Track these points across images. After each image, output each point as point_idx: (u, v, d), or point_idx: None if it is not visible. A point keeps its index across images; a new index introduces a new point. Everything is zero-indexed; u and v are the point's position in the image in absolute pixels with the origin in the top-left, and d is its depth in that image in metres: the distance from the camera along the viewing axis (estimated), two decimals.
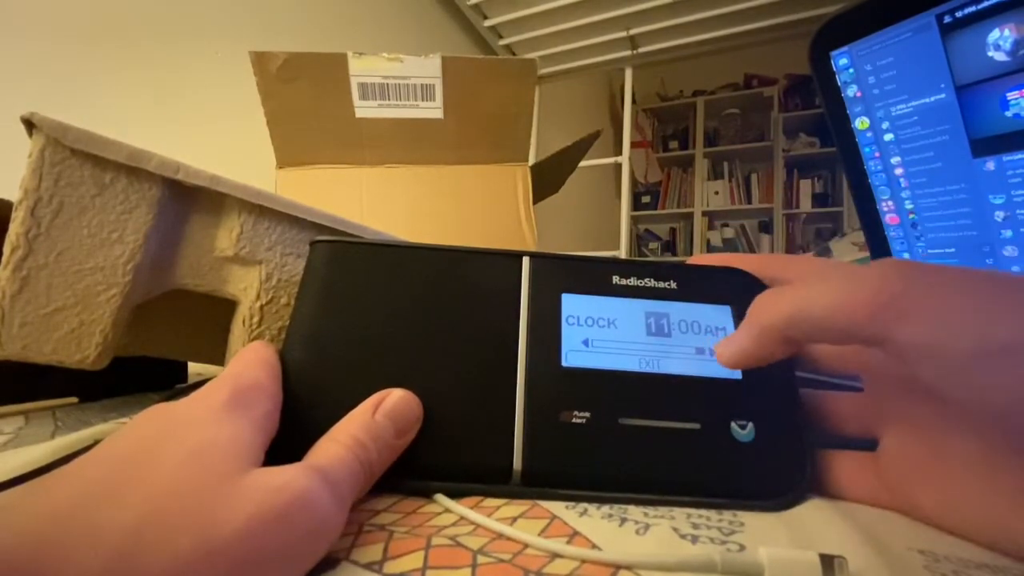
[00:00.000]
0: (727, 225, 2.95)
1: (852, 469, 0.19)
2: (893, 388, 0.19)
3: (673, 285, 0.22)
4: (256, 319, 0.26)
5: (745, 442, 0.19)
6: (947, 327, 0.14)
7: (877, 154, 0.37)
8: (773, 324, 0.17)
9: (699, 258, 0.24)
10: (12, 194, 0.22)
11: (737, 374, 0.20)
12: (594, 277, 0.22)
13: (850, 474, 0.19)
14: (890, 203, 0.38)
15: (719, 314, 0.22)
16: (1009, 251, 0.33)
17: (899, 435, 0.19)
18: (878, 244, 0.39)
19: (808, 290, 0.17)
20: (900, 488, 0.18)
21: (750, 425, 0.19)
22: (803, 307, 0.17)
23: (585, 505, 0.18)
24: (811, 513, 0.18)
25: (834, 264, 0.20)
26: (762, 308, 0.18)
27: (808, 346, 0.21)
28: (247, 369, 0.18)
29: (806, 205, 2.72)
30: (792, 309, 0.17)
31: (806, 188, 2.72)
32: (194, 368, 0.37)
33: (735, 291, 0.22)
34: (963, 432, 0.17)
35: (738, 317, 0.21)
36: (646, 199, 3.04)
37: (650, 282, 0.22)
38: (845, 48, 0.36)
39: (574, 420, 0.19)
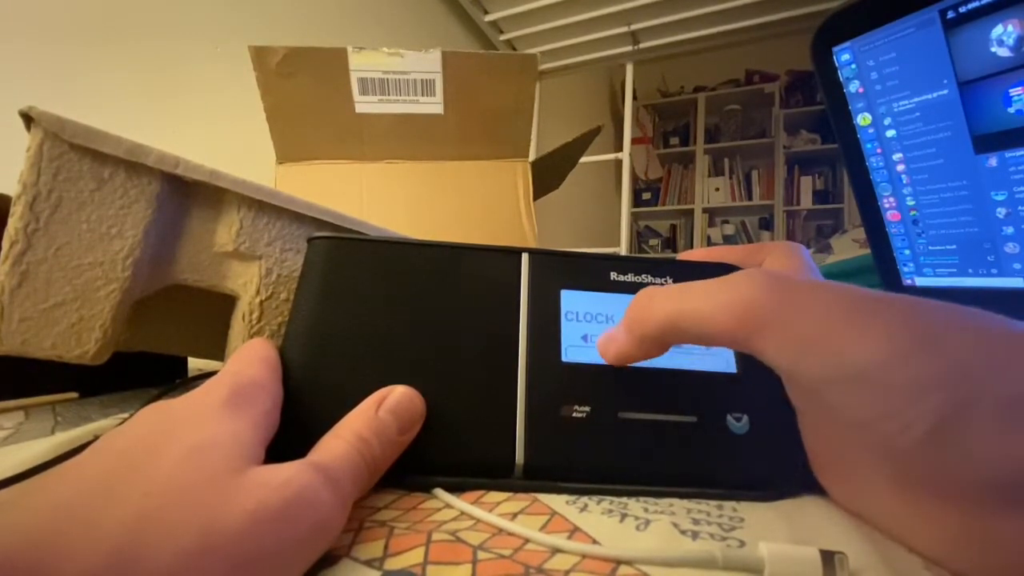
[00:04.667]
0: (728, 222, 2.94)
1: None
2: (790, 389, 0.18)
3: (669, 281, 0.22)
4: (256, 315, 0.26)
5: (740, 434, 0.20)
6: (806, 351, 0.14)
7: (879, 150, 0.37)
8: (649, 334, 0.18)
9: (689, 253, 0.24)
10: (11, 189, 0.22)
11: (732, 368, 0.21)
12: (592, 274, 0.22)
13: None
14: (891, 200, 0.38)
15: None
16: (1010, 248, 0.33)
17: (806, 432, 0.18)
18: (879, 241, 0.39)
19: (680, 296, 0.17)
20: (819, 477, 0.18)
21: (745, 418, 0.20)
22: (675, 318, 0.17)
23: (585, 501, 0.18)
24: (812, 509, 0.18)
25: (798, 261, 0.21)
26: (640, 313, 0.18)
27: None
28: (247, 366, 0.18)
29: (807, 202, 2.71)
30: (663, 318, 0.17)
31: (807, 185, 2.72)
32: (194, 363, 0.37)
33: None
34: (847, 436, 0.16)
35: None
36: (647, 195, 3.04)
37: (647, 278, 0.22)
38: (847, 44, 0.36)
39: (574, 414, 0.19)
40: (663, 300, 0.18)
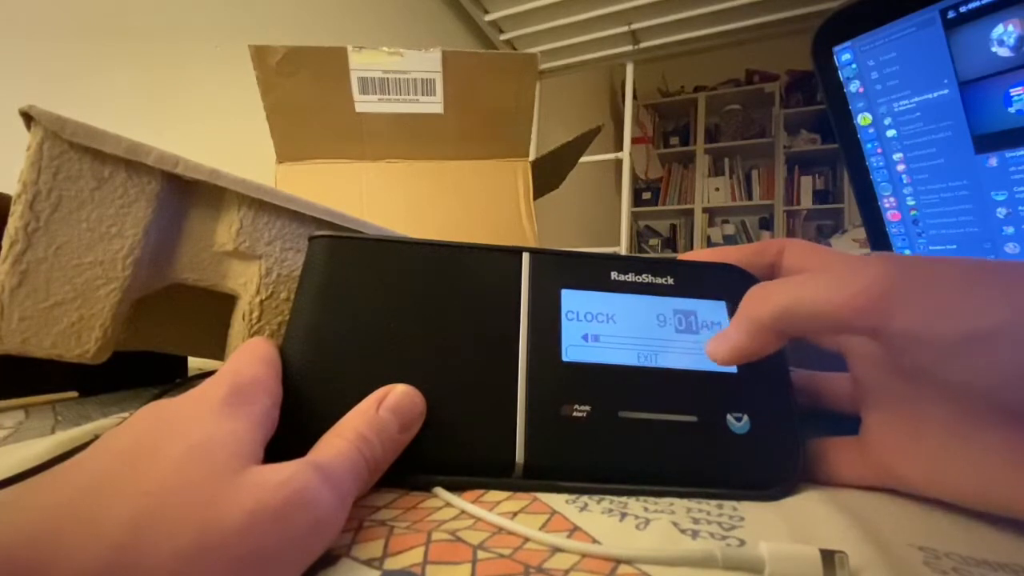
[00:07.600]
0: (728, 221, 2.94)
1: (837, 453, 0.20)
2: (873, 369, 0.20)
3: (670, 281, 0.22)
4: (256, 314, 0.26)
5: (740, 434, 0.20)
6: (939, 316, 0.15)
7: (879, 150, 0.37)
8: (763, 320, 0.18)
9: (692, 254, 0.24)
10: (11, 188, 0.22)
11: (732, 368, 0.21)
12: (593, 273, 0.22)
13: (835, 458, 0.20)
14: (892, 199, 0.38)
15: (715, 309, 0.22)
16: (1011, 248, 0.33)
17: (881, 414, 0.19)
18: (879, 241, 0.39)
19: (798, 285, 0.17)
20: (884, 465, 0.19)
21: (745, 417, 0.20)
22: (793, 303, 0.17)
23: (585, 500, 0.18)
24: (812, 508, 0.18)
25: (826, 251, 0.21)
26: (753, 304, 0.18)
27: None
28: (246, 365, 0.17)
29: (807, 201, 2.71)
30: (783, 304, 0.17)
31: (807, 184, 2.72)
32: (194, 363, 0.37)
33: (730, 286, 0.22)
34: (945, 406, 0.17)
35: (733, 312, 0.22)
36: (647, 195, 3.04)
37: (648, 278, 0.22)
38: (848, 43, 0.36)
39: (575, 414, 0.19)
40: (779, 288, 0.18)
